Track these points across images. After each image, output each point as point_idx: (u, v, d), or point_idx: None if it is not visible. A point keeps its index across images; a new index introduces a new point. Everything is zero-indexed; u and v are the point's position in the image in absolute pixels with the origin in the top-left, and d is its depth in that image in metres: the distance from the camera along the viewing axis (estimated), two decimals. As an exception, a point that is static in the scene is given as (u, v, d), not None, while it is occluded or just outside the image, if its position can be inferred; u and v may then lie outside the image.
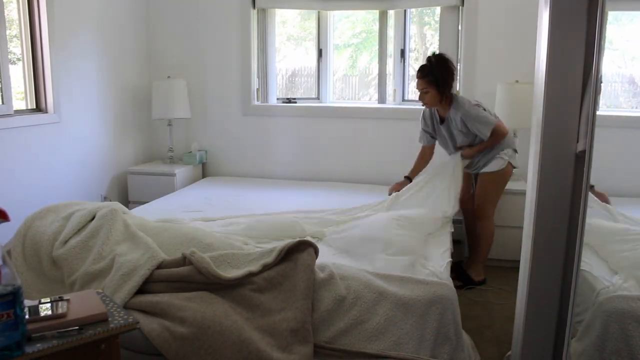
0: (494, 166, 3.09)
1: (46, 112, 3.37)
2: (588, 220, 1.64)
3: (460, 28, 3.86)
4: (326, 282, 2.01)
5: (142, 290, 1.97)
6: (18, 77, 3.27)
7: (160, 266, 2.03)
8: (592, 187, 2.33)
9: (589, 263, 1.96)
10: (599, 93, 1.59)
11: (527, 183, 1.90)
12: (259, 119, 4.29)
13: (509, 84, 3.56)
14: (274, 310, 1.92)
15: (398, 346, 1.90)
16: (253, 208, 3.17)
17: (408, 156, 4.02)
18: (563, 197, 1.69)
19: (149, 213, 2.96)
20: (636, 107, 2.81)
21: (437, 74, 2.97)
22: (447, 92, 3.00)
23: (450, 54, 3.88)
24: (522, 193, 3.16)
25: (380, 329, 1.93)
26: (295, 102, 4.33)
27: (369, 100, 4.46)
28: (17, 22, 3.25)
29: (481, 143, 3.07)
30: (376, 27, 4.21)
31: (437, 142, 3.31)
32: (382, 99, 4.22)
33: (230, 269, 2.03)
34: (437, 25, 4.06)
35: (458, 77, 3.88)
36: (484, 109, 3.05)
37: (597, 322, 1.82)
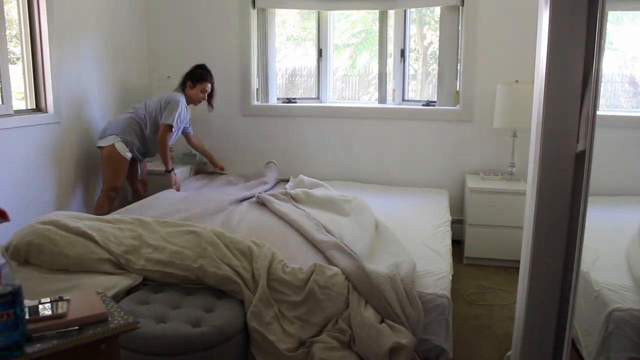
0: None
1: (46, 112, 3.37)
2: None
3: (460, 28, 3.86)
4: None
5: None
6: (18, 77, 3.27)
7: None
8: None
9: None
10: (599, 93, 1.59)
11: (527, 183, 1.90)
12: (259, 119, 4.29)
13: (509, 84, 3.56)
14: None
15: None
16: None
17: (408, 156, 4.04)
18: (563, 197, 1.69)
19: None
20: (636, 107, 2.81)
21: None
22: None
23: (450, 54, 3.90)
24: (522, 193, 3.17)
25: None
26: (295, 102, 4.33)
27: (369, 100, 4.46)
28: (17, 22, 3.25)
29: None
30: (376, 27, 4.21)
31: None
32: (382, 99, 4.22)
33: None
34: (437, 25, 4.06)
35: (458, 77, 3.90)
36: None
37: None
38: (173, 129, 3.47)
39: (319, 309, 2.05)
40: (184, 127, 3.76)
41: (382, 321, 2.03)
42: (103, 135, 3.52)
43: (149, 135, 3.56)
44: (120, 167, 3.49)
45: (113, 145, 3.44)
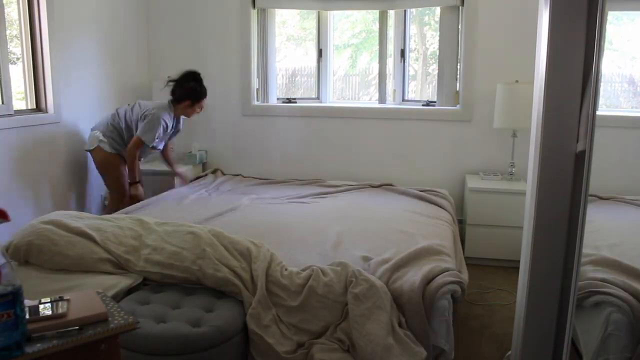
0: None
1: (46, 112, 3.37)
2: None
3: (460, 28, 3.86)
4: None
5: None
6: (18, 77, 3.27)
7: None
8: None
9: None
10: (599, 93, 1.59)
11: (527, 183, 1.90)
12: (259, 119, 4.29)
13: (509, 84, 3.56)
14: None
15: None
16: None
17: (408, 156, 4.04)
18: (563, 197, 1.69)
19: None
20: (636, 107, 2.80)
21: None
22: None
23: (450, 54, 3.90)
24: (522, 193, 3.18)
25: None
26: (295, 102, 4.33)
27: (369, 100, 4.46)
28: (17, 22, 3.25)
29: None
30: (376, 27, 4.21)
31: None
32: (382, 99, 4.22)
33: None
34: (437, 25, 4.06)
35: (458, 77, 3.90)
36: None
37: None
38: (144, 145, 3.30)
39: (314, 317, 2.03)
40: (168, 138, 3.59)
41: (392, 329, 1.99)
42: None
43: (127, 141, 3.41)
44: (120, 166, 3.42)
45: (100, 147, 3.35)
